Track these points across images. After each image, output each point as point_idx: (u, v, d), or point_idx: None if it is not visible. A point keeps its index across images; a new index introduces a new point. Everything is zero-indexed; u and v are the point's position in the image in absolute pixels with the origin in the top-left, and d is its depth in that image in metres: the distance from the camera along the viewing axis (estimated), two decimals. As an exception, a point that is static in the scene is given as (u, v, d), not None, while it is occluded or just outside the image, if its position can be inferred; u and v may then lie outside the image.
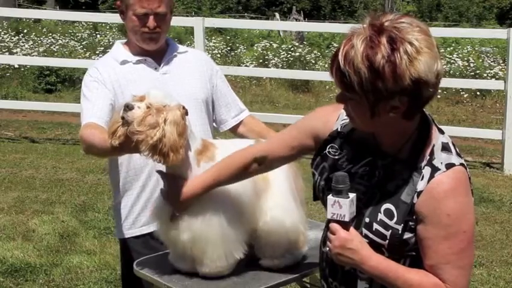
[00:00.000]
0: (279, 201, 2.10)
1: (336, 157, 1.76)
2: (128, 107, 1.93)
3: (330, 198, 1.63)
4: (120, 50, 2.56)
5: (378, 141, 1.69)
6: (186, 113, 2.01)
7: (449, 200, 1.60)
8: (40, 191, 6.07)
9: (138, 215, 2.54)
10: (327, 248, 1.70)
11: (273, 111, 10.36)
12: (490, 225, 5.39)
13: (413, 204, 1.62)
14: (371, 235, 1.65)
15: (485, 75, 11.79)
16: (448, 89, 10.89)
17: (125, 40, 2.63)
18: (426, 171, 1.62)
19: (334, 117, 1.82)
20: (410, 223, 1.63)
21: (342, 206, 1.62)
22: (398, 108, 1.56)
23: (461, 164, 1.64)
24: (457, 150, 1.68)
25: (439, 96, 11.09)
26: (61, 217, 5.37)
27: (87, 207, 5.64)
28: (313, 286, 2.40)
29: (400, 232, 1.63)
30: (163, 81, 2.48)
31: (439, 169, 1.62)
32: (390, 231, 1.63)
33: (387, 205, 1.65)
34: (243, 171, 1.95)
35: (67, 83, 11.53)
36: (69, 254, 4.65)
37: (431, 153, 1.64)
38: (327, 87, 12.19)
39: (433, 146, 1.65)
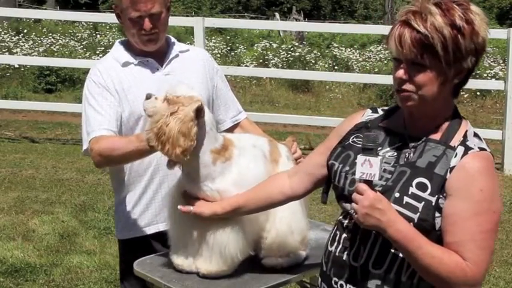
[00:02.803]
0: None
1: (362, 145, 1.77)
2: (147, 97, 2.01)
3: (360, 157, 1.61)
4: (121, 51, 2.52)
5: (409, 127, 1.73)
6: (201, 115, 2.00)
7: (483, 176, 1.61)
8: (40, 191, 6.07)
9: (139, 217, 2.53)
10: (352, 210, 1.65)
11: (273, 111, 10.37)
12: (490, 225, 5.38)
13: (445, 180, 1.62)
14: (401, 209, 1.63)
15: (485, 75, 11.78)
16: (448, 89, 10.87)
17: (125, 39, 2.58)
18: (460, 149, 1.65)
19: (358, 116, 1.88)
20: (440, 200, 1.62)
21: (373, 164, 1.59)
22: (461, 74, 1.65)
23: (491, 153, 1.68)
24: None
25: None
26: (61, 217, 5.37)
27: (87, 207, 5.64)
28: (313, 286, 2.40)
29: (433, 204, 1.61)
30: (166, 82, 2.43)
31: (473, 148, 1.65)
32: (423, 202, 1.62)
33: (419, 179, 1.64)
34: (277, 188, 1.98)
35: (67, 83, 11.53)
36: (69, 254, 4.65)
37: (465, 136, 1.68)
38: (327, 87, 12.19)
39: (467, 131, 1.70)
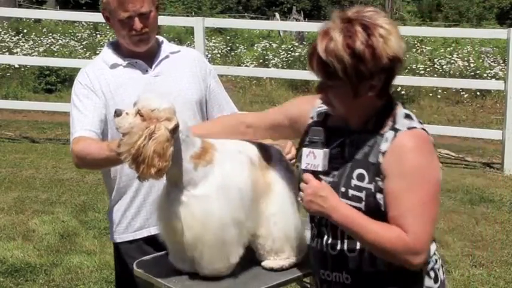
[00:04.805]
0: (282, 207, 2.10)
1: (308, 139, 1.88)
2: (116, 113, 1.93)
3: (305, 149, 1.79)
4: (109, 52, 2.50)
5: (348, 123, 1.84)
6: (175, 130, 1.94)
7: (412, 153, 1.73)
8: (40, 191, 6.07)
9: (131, 220, 2.52)
10: (299, 198, 1.83)
11: (273, 111, 10.34)
12: (490, 225, 5.39)
13: (380, 164, 1.75)
14: (348, 201, 1.78)
15: (485, 75, 11.78)
16: (448, 89, 10.88)
17: (115, 41, 2.56)
18: (389, 134, 1.77)
19: (309, 104, 1.99)
20: (379, 183, 1.75)
21: (316, 156, 1.77)
22: (376, 86, 1.74)
23: (423, 129, 1.78)
24: (420, 120, 1.82)
25: (438, 96, 11.10)
26: (61, 217, 5.37)
27: (87, 207, 5.65)
28: (313, 286, 2.40)
29: (373, 191, 1.75)
30: (155, 84, 2.43)
31: (401, 130, 1.75)
32: (364, 191, 1.76)
33: (359, 170, 1.78)
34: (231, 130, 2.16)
35: (67, 83, 11.51)
36: (69, 254, 4.65)
37: (394, 120, 1.80)
38: (327, 87, 12.19)
39: (396, 114, 1.80)
